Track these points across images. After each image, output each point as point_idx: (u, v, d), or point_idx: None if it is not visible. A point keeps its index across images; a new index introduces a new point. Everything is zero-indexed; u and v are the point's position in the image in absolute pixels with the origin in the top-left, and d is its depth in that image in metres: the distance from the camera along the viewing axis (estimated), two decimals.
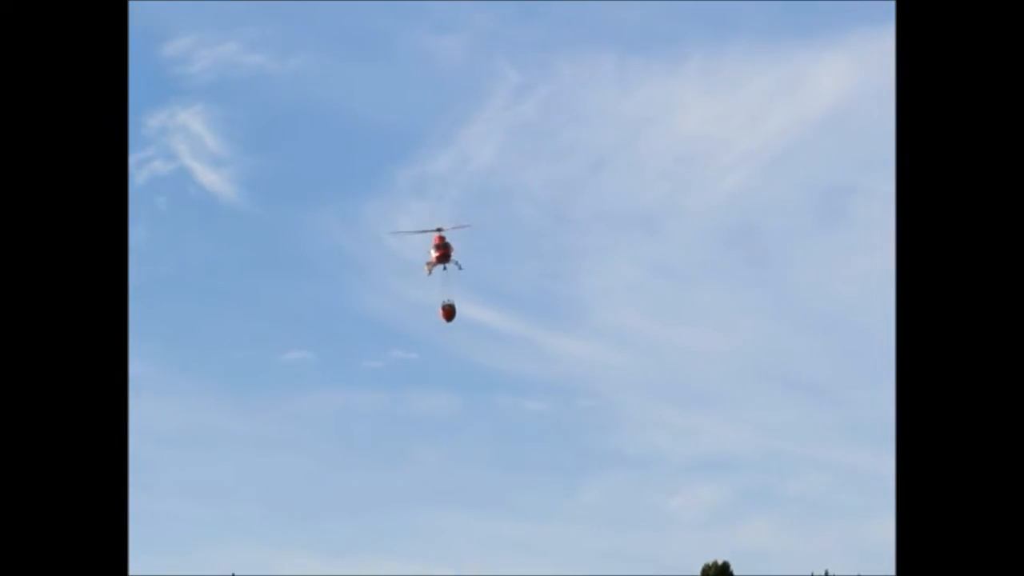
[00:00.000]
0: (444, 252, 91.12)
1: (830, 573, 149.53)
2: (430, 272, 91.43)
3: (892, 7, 41.70)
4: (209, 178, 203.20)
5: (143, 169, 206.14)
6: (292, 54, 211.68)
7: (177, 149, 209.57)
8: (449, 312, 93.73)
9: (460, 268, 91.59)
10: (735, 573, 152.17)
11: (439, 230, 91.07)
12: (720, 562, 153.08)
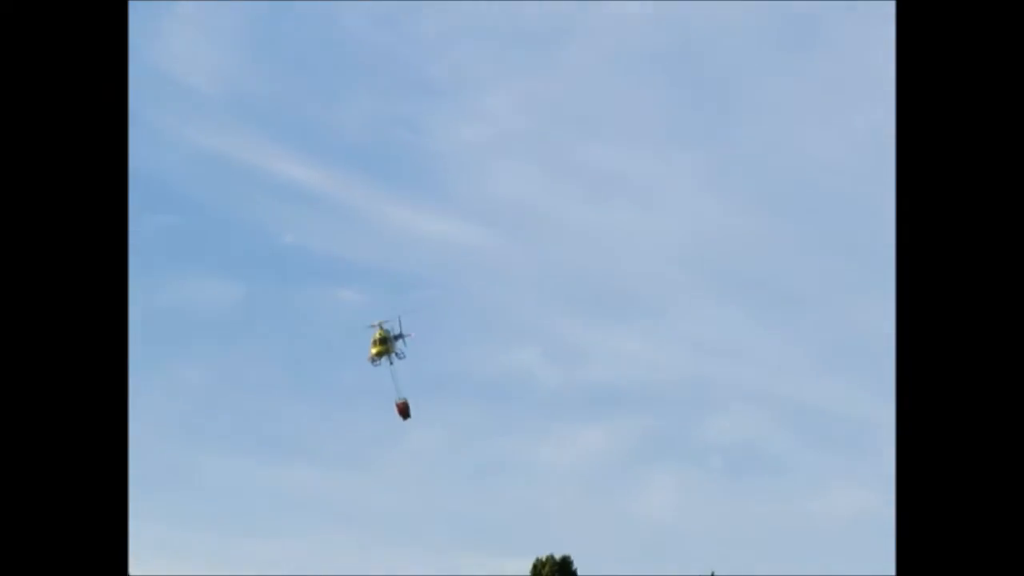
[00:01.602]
0: (402, 409, 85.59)
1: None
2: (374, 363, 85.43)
3: None
4: None
5: None
6: None
7: None
8: (403, 409, 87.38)
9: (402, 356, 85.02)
10: (577, 572, 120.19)
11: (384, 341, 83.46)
12: (558, 557, 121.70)
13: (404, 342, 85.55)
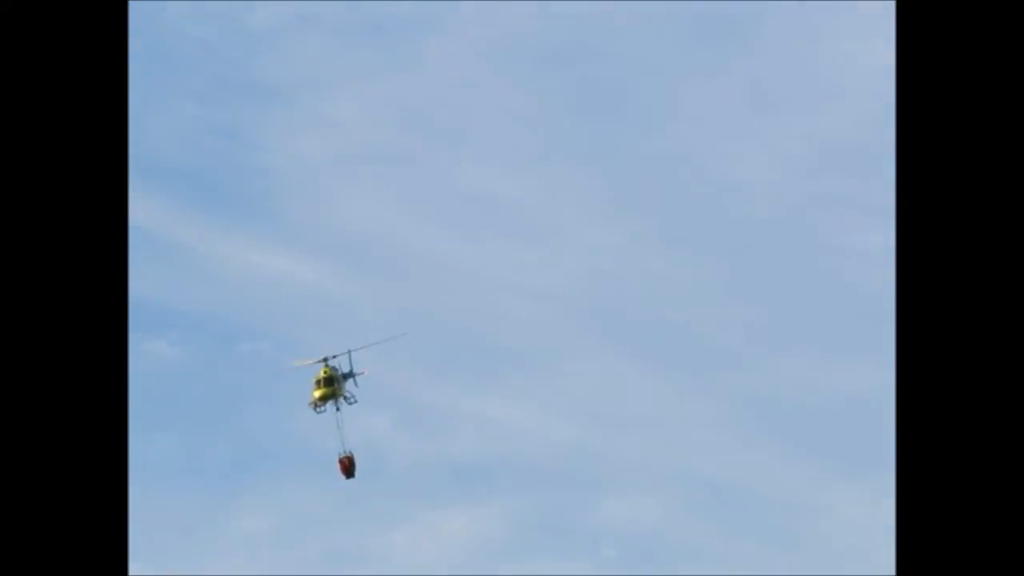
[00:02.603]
0: (347, 466, 72.49)
1: None
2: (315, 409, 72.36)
3: None
4: None
5: None
6: None
7: None
8: (348, 467, 73.05)
9: (351, 402, 72.33)
10: None
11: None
12: None
13: (355, 382, 71.90)
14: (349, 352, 69.96)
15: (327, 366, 69.82)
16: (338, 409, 70.18)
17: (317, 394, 69.59)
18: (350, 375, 70.25)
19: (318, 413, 70.32)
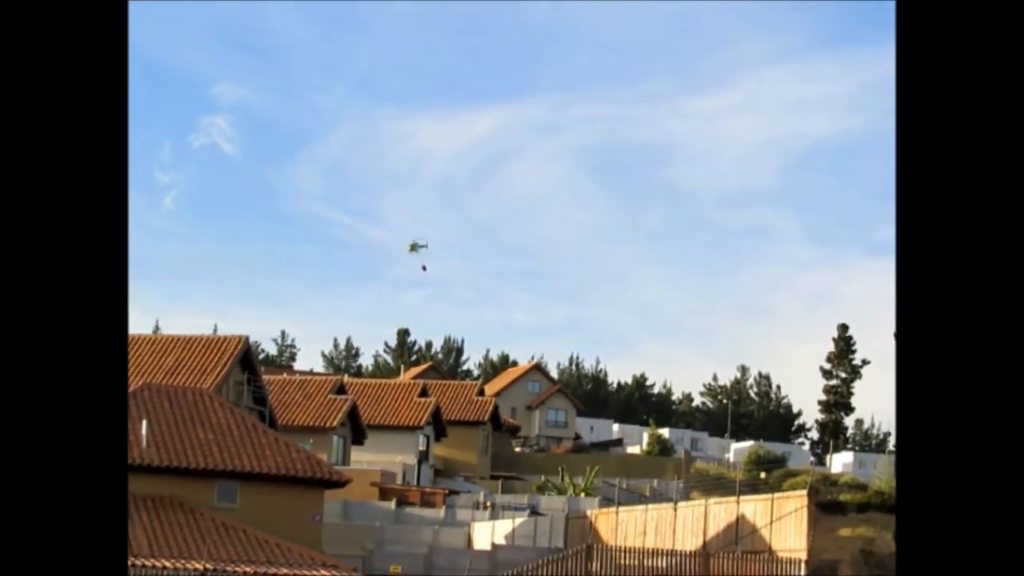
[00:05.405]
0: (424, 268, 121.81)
1: None
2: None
3: None
4: None
5: None
6: None
7: None
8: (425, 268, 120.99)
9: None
10: None
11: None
12: None
13: (426, 245, 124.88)
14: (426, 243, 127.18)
15: (414, 241, 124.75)
16: (417, 252, 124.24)
17: (409, 246, 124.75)
18: (424, 245, 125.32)
19: (410, 252, 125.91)
